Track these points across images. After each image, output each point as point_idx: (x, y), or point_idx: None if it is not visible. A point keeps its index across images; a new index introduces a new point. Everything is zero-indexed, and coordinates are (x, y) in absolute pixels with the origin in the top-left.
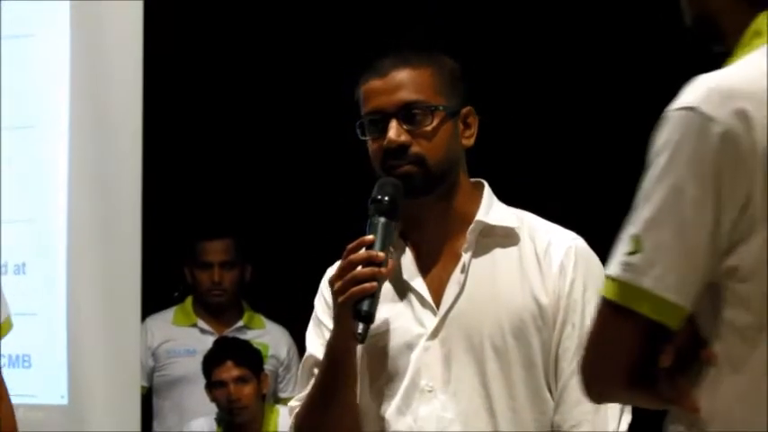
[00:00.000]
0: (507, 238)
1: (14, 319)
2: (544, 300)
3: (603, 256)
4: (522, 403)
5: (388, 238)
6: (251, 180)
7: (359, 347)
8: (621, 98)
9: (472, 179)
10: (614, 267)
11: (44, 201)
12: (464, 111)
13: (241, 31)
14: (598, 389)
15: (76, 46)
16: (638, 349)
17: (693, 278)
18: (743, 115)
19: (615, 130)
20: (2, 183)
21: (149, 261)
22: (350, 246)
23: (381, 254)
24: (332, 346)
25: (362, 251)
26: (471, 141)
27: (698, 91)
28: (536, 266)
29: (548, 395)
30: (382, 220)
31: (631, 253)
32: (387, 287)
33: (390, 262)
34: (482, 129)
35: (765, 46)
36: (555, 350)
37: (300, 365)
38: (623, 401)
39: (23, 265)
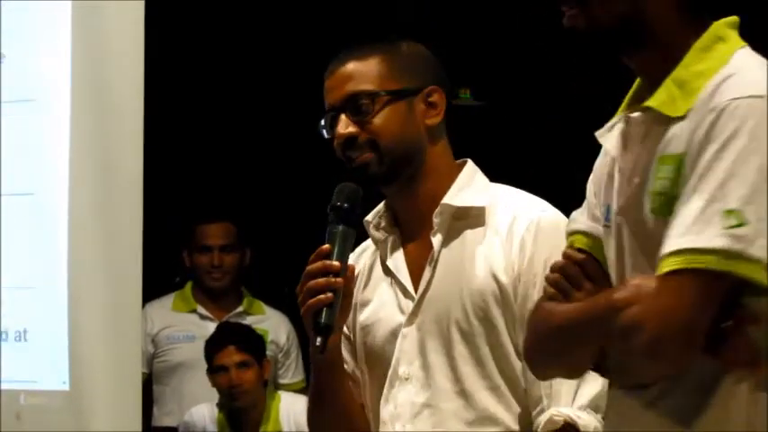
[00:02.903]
0: (478, 218)
1: (14, 295)
2: (504, 278)
3: None
4: (497, 383)
5: (346, 246)
6: (251, 165)
7: (358, 341)
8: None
9: (458, 160)
10: (718, 240)
11: (45, 175)
12: (425, 90)
13: (243, 15)
14: (675, 356)
15: (77, 20)
16: (712, 314)
17: None
18: None
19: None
20: (2, 157)
21: (148, 246)
22: (311, 257)
23: (336, 263)
24: (311, 355)
25: (318, 262)
26: (436, 120)
27: (762, 82)
28: (500, 244)
29: (519, 375)
30: (340, 228)
31: (735, 226)
32: (376, 275)
33: (351, 268)
34: (486, 113)
35: (743, 49)
36: (519, 328)
37: None
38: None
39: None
